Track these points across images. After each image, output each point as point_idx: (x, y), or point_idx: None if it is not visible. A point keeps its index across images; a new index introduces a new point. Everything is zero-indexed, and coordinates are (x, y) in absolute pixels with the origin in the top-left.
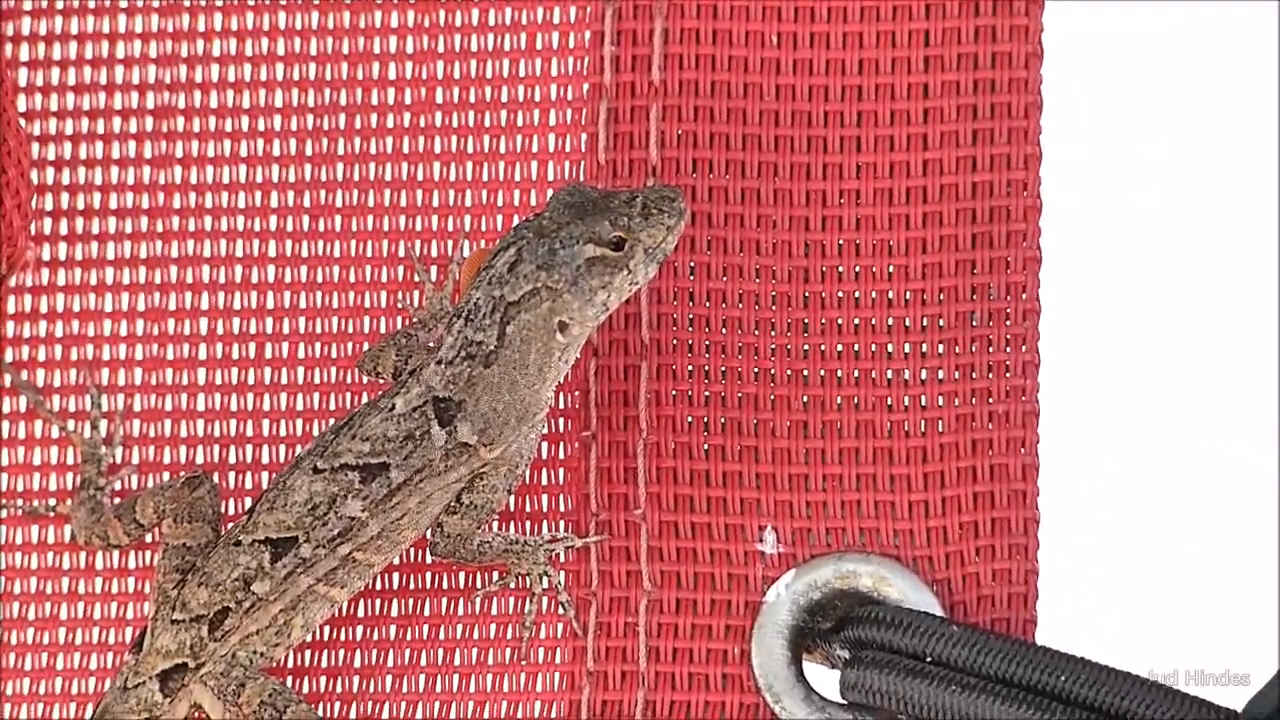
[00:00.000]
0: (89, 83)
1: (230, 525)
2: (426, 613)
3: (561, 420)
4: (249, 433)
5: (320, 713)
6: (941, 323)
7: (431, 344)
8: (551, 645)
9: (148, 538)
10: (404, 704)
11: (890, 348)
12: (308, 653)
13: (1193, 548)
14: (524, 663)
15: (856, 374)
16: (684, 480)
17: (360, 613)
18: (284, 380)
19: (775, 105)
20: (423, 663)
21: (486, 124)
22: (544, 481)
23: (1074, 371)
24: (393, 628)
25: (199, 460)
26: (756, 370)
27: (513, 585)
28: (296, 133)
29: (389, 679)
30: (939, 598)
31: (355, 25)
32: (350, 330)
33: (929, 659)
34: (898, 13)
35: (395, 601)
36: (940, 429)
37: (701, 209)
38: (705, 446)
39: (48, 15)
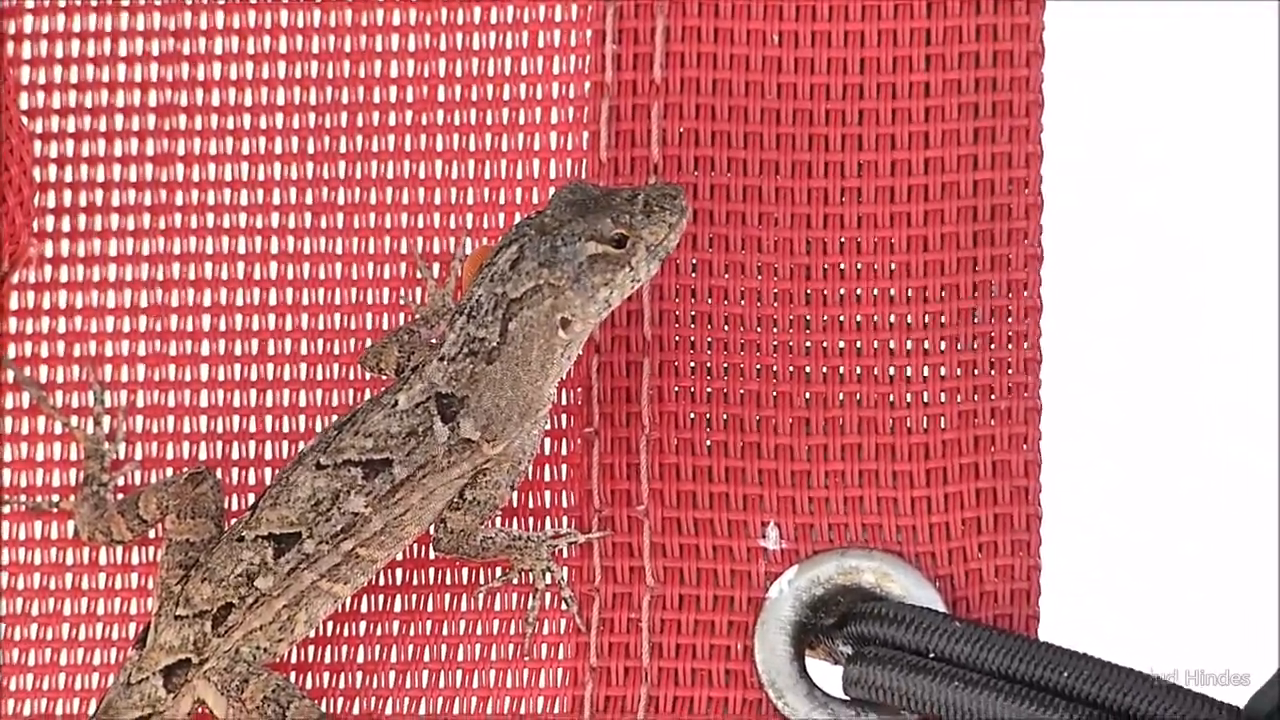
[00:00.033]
0: (91, 80)
1: (233, 521)
2: (429, 608)
3: (564, 417)
4: (252, 429)
5: (323, 708)
6: (943, 320)
7: (434, 341)
8: (554, 641)
9: (151, 534)
10: (407, 699)
11: (892, 344)
12: (311, 648)
13: (1193, 548)
14: (527, 658)
15: (858, 371)
16: (687, 476)
17: (363, 608)
18: (287, 377)
19: (777, 103)
20: (426, 658)
21: (488, 122)
22: (547, 478)
23: (1075, 368)
24: (396, 623)
25: (202, 456)
26: (759, 367)
27: (516, 581)
28: (298, 130)
29: (392, 674)
30: (942, 594)
31: (357, 23)
32: (353, 327)
33: (932, 655)
34: (899, 11)
35: (398, 597)
36: (942, 425)
37: (703, 206)
38: (708, 443)
39: (50, 13)
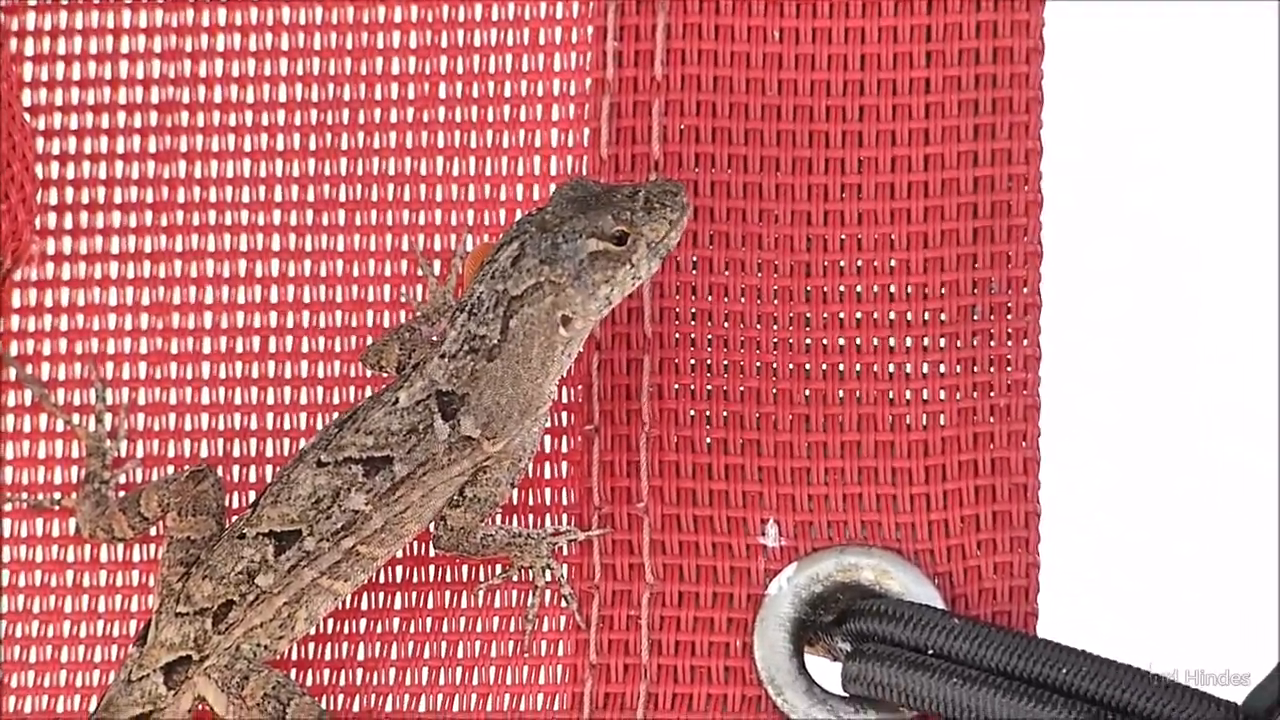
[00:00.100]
0: (93, 77)
1: (234, 518)
2: (430, 606)
3: (564, 414)
4: (253, 426)
5: (323, 705)
6: (943, 317)
7: (435, 338)
8: (554, 638)
9: (152, 531)
10: (407, 696)
11: (892, 342)
12: (311, 645)
13: (1193, 547)
14: (526, 655)
15: (858, 368)
16: (686, 474)
17: (364, 606)
18: (288, 374)
19: (777, 100)
20: (426, 655)
21: (489, 119)
22: (547, 475)
23: (1075, 366)
24: (396, 620)
25: (203, 454)
26: (759, 364)
27: (515, 578)
28: (300, 127)
29: (392, 671)
30: (941, 591)
31: (359, 20)
32: (354, 324)
33: (931, 652)
34: (899, 7)
35: (398, 595)
36: (941, 423)
37: (704, 203)
38: (708, 440)
39: (52, 10)
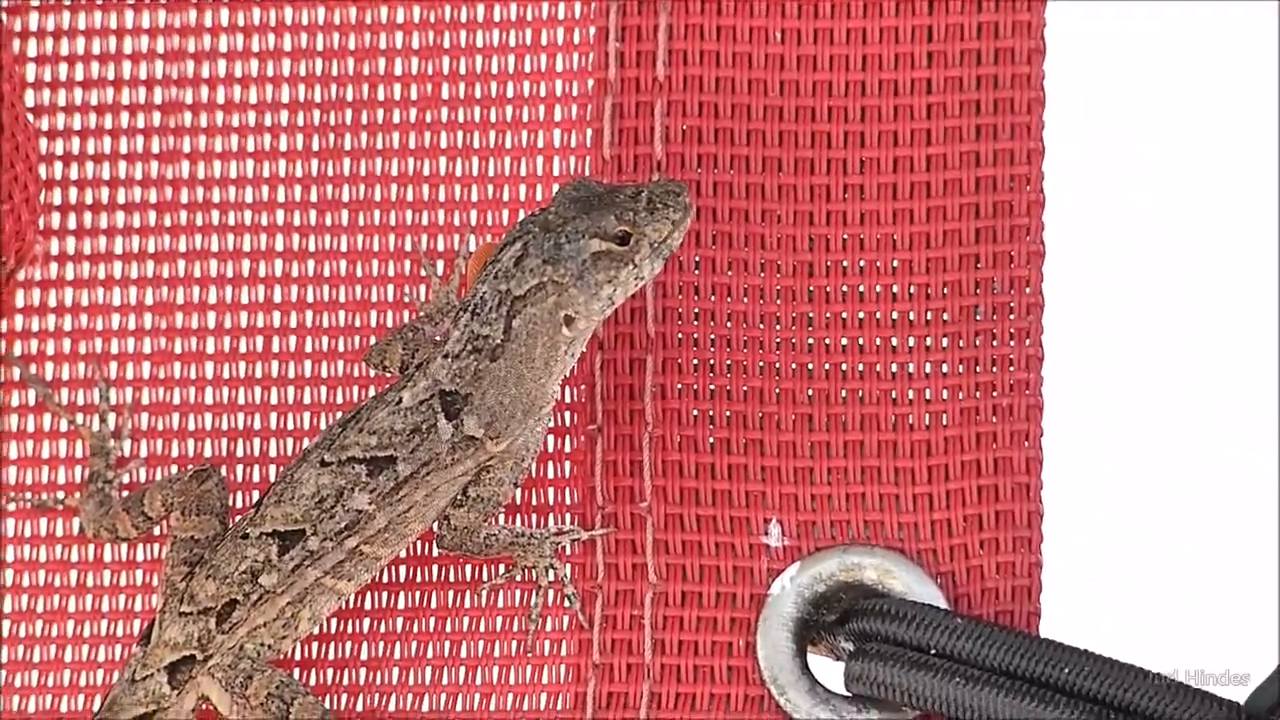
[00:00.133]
0: (97, 78)
1: (238, 518)
2: (433, 605)
3: (567, 414)
4: (256, 426)
5: (327, 704)
6: (945, 317)
7: (438, 338)
8: (557, 638)
9: (156, 530)
10: (410, 696)
11: (894, 341)
12: (315, 645)
13: (1193, 547)
14: (530, 655)
15: (861, 367)
16: (689, 473)
17: (367, 605)
18: (291, 374)
19: (779, 101)
20: (429, 655)
21: (492, 119)
22: (550, 475)
23: (1077, 365)
24: (399, 620)
25: (207, 453)
26: (761, 364)
27: (519, 578)
28: (303, 128)
29: (395, 671)
30: (943, 590)
31: (361, 21)
32: (357, 324)
33: (933, 651)
34: (901, 8)
35: (402, 594)
36: (944, 422)
37: (706, 204)
38: (710, 440)
39: (55, 11)
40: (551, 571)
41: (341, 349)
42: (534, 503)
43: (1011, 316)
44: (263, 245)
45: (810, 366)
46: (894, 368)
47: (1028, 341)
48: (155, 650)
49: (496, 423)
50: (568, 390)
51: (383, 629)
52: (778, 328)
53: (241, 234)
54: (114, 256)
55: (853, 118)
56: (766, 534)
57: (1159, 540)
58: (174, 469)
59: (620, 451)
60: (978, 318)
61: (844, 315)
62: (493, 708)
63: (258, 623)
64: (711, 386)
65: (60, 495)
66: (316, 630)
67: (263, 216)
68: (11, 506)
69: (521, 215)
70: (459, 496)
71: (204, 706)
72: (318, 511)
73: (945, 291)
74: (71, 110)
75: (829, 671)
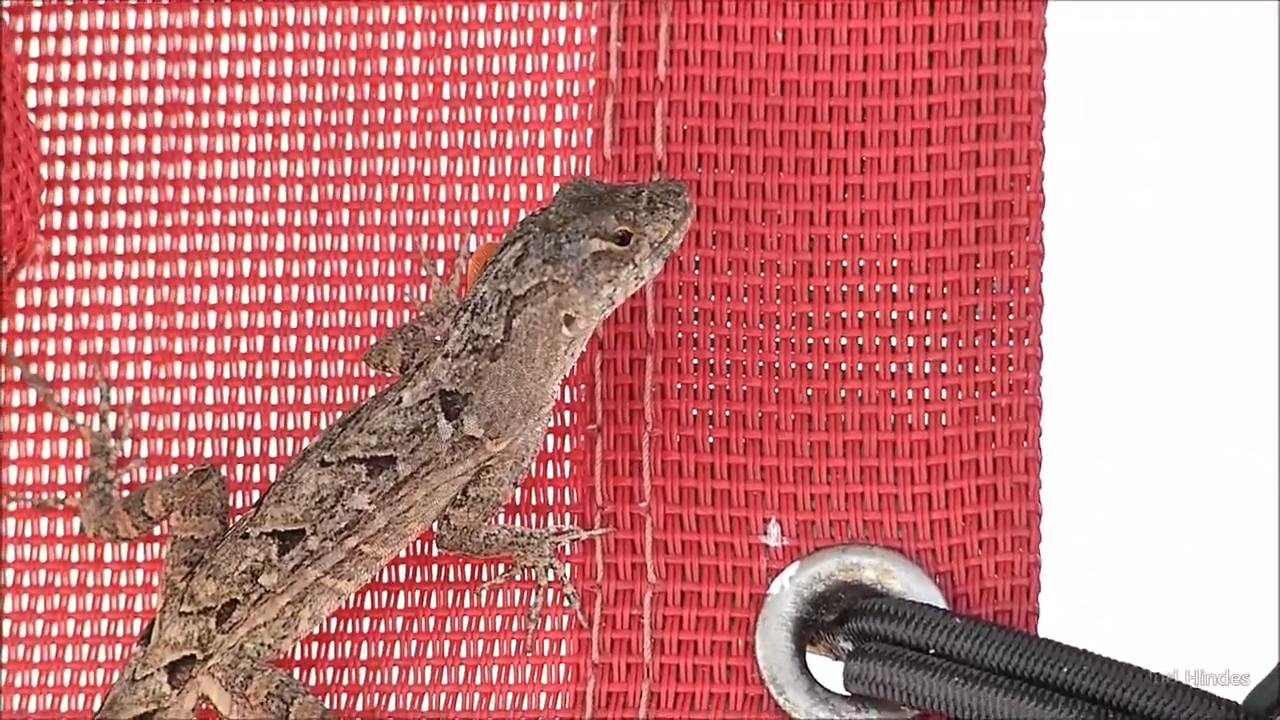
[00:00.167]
0: (98, 78)
1: (238, 518)
2: (433, 605)
3: (567, 414)
4: (257, 426)
5: (327, 704)
6: (945, 316)
7: (438, 338)
8: (557, 637)
9: (156, 530)
10: (410, 695)
11: (894, 341)
12: (315, 645)
13: (1193, 547)
14: (529, 655)
15: (860, 367)
16: (689, 473)
17: (367, 605)
18: (291, 374)
19: (780, 100)
20: (429, 654)
21: (493, 119)
22: (550, 475)
23: (1077, 365)
24: (399, 620)
25: (207, 453)
26: (761, 364)
27: (518, 578)
28: (304, 127)
29: (395, 671)
30: (942, 590)
31: (363, 21)
32: (357, 324)
33: (932, 651)
34: (902, 8)
35: (402, 594)
36: (943, 422)
37: (707, 204)
38: (710, 440)
39: (57, 11)
40: (551, 571)
41: (342, 349)
42: (534, 502)
43: (1011, 316)
44: (263, 245)
45: (810, 366)
46: (893, 367)
47: (1027, 341)
48: (155, 650)
49: (496, 422)
50: (567, 390)
51: (382, 629)
52: (777, 327)
53: (242, 234)
54: (115, 256)
55: (853, 117)
56: (766, 534)
57: (1158, 540)
58: (174, 469)
59: (620, 451)
60: (977, 317)
61: (843, 315)
62: (492, 707)
63: (258, 622)
64: (711, 386)
65: (61, 495)
66: (316, 630)
67: (263, 216)
68: (12, 506)
69: (522, 215)
70: (459, 496)
71: (204, 706)
72: (318, 511)
73: (945, 291)
74: (73, 110)
75: (828, 671)
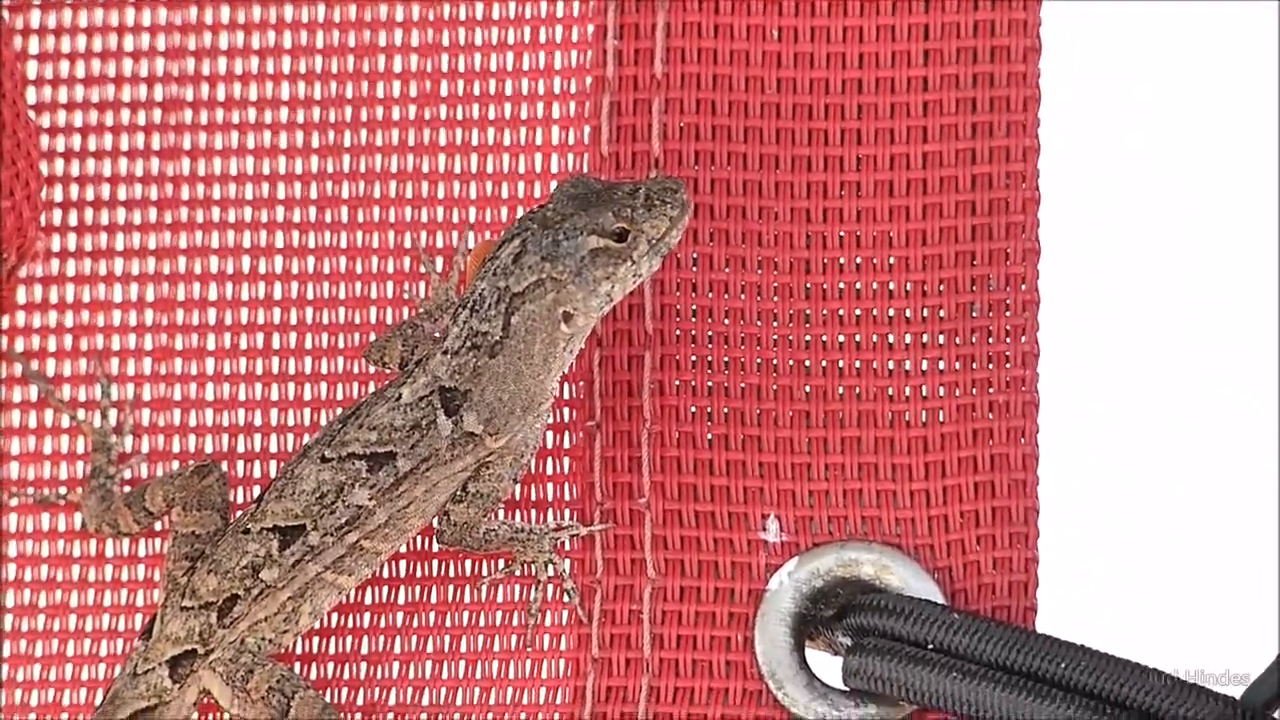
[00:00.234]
0: (98, 75)
1: (239, 513)
2: (433, 600)
3: (566, 410)
4: (257, 422)
5: (328, 698)
6: (942, 314)
7: (437, 334)
8: (556, 632)
9: (157, 526)
10: (410, 690)
11: (891, 338)
12: (316, 639)
13: (1192, 546)
14: (529, 649)
15: (858, 364)
16: (688, 469)
17: (367, 600)
18: (292, 370)
19: (776, 98)
20: (429, 649)
21: (491, 116)
22: (549, 470)
23: (1074, 362)
24: (400, 615)
25: (208, 449)
26: (759, 360)
27: (518, 573)
28: (303, 125)
29: (396, 665)
30: (940, 585)
31: (361, 19)
32: (357, 321)
33: (930, 646)
34: (898, 7)
35: (402, 589)
36: (941, 419)
37: (704, 201)
38: (709, 436)
39: (57, 8)
40: (550, 567)
41: (341, 345)
42: (533, 498)
43: (1007, 313)
44: (263, 242)
45: (807, 363)
46: (890, 364)
47: (1024, 338)
48: (157, 644)
49: (496, 419)
50: (566, 387)
51: (383, 624)
52: (775, 324)
53: (242, 230)
54: (115, 253)
55: (849, 115)
56: (764, 529)
57: (1157, 538)
58: (175, 464)
59: (619, 448)
60: (974, 314)
61: (840, 312)
62: (492, 701)
63: (259, 617)
64: (709, 383)
65: (62, 491)
66: (317, 625)
67: (263, 213)
68: (14, 502)
69: (520, 212)
70: (459, 492)
71: (205, 701)
72: (318, 507)
73: (941, 288)
74: (73, 107)
75: (827, 666)
